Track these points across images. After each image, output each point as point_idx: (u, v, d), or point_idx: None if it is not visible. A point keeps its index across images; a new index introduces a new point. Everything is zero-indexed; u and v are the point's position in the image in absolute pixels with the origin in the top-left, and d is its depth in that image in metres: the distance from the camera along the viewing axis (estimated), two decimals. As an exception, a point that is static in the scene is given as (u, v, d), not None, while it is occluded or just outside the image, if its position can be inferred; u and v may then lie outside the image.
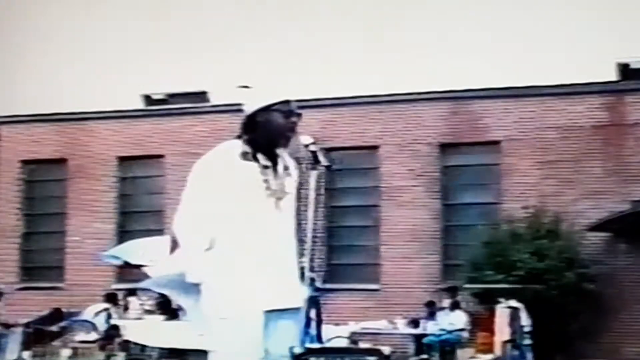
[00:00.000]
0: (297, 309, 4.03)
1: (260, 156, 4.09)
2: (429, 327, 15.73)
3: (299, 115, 4.13)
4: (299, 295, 4.01)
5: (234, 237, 4.01)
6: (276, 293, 3.99)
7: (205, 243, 4.02)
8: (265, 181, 4.06)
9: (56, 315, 15.71)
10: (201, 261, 4.02)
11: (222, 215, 4.03)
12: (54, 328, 14.94)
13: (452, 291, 16.53)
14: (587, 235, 16.95)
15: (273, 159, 4.12)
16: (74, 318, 15.55)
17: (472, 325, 15.76)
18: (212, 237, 4.03)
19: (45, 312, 15.74)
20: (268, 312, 4.00)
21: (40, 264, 21.19)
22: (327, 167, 4.19)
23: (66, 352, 14.27)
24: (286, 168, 4.14)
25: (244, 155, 4.08)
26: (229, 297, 3.99)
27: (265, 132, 4.12)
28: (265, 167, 4.08)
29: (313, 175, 4.21)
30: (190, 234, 4.08)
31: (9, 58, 27.61)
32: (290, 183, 4.14)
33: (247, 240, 3.99)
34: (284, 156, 4.17)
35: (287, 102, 4.14)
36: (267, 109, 4.15)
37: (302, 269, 4.11)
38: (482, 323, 15.44)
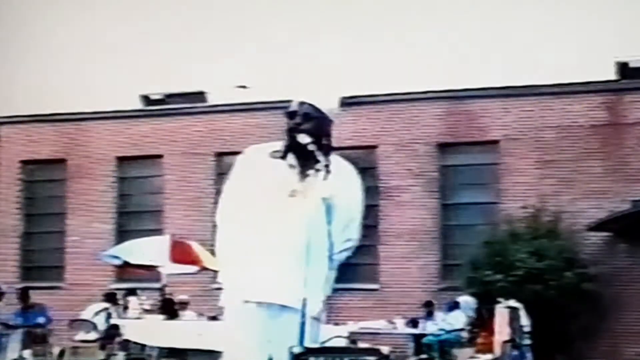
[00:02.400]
0: (295, 309, 4.04)
1: (290, 156, 4.12)
2: (428, 327, 15.71)
3: (306, 116, 4.16)
4: (297, 294, 4.01)
5: (244, 230, 4.09)
6: (269, 287, 4.03)
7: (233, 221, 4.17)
8: (286, 180, 4.10)
9: (24, 294, 15.64)
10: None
11: (242, 208, 4.12)
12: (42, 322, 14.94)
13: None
14: (587, 235, 16.95)
15: (307, 160, 4.13)
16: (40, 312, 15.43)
17: (475, 325, 15.70)
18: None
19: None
20: (266, 310, 4.04)
21: (40, 264, 21.19)
22: (327, 169, 4.19)
23: (55, 350, 14.22)
24: (328, 172, 4.14)
25: (273, 153, 4.13)
26: (227, 287, 4.10)
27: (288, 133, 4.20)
28: (291, 166, 4.12)
29: (315, 177, 4.20)
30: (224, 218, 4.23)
31: (9, 58, 27.62)
32: (323, 187, 4.12)
33: (254, 234, 4.06)
34: (333, 161, 4.18)
35: (302, 103, 4.19)
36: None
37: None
38: (482, 323, 15.42)
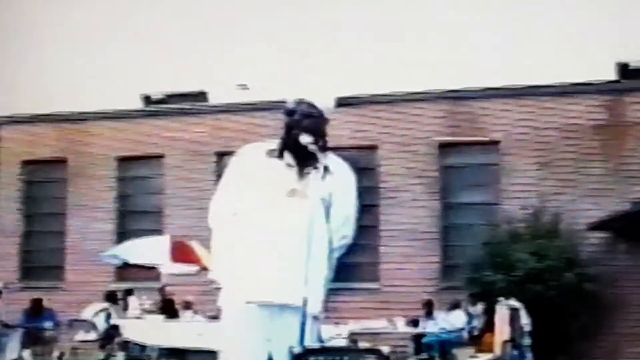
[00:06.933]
0: (295, 308, 4.04)
1: (286, 154, 4.13)
2: (429, 327, 15.72)
3: (304, 113, 4.17)
4: (298, 294, 4.01)
5: (242, 229, 4.10)
6: (269, 287, 4.03)
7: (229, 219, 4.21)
8: (284, 179, 4.10)
9: (37, 305, 15.74)
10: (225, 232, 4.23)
11: (239, 207, 4.13)
12: (49, 326, 14.97)
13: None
14: (587, 235, 16.95)
15: (305, 159, 4.13)
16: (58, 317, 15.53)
17: (482, 325, 15.64)
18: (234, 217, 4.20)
19: (26, 307, 15.80)
20: (266, 309, 4.04)
21: (40, 263, 21.19)
22: (326, 168, 4.19)
23: (55, 352, 14.24)
24: (326, 171, 4.14)
25: (270, 152, 4.14)
26: (226, 287, 4.10)
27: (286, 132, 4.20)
28: (289, 165, 4.12)
29: (313, 176, 4.20)
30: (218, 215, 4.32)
31: (9, 58, 27.60)
32: (321, 186, 4.12)
33: (251, 233, 4.07)
34: (329, 159, 4.18)
35: (299, 101, 4.21)
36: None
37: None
38: (488, 323, 15.41)
